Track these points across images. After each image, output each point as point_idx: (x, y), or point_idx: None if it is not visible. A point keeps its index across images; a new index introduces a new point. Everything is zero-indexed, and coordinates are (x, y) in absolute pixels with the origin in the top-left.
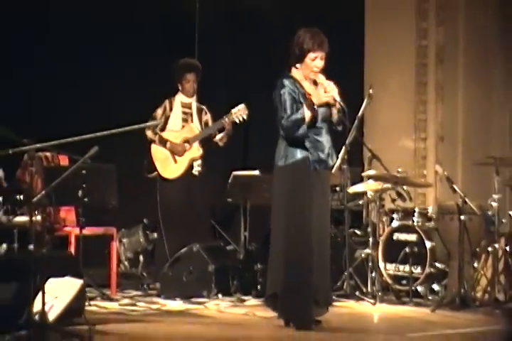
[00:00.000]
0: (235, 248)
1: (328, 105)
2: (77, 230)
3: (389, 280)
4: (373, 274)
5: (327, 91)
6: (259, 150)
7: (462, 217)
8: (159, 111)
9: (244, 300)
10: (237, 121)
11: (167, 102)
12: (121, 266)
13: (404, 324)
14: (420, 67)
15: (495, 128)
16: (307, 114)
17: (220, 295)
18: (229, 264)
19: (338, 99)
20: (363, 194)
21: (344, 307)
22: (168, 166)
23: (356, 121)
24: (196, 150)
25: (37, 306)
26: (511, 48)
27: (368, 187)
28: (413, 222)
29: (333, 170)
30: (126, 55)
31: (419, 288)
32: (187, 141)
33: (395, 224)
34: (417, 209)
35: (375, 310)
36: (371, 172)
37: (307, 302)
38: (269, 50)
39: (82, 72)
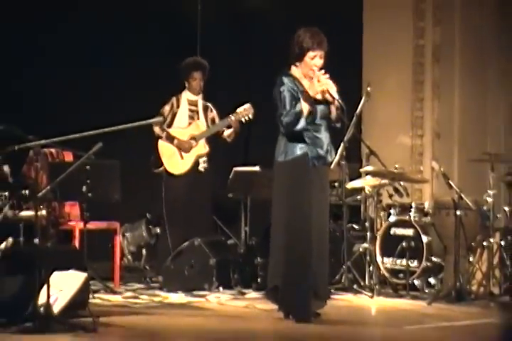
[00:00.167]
0: (235, 242)
1: (326, 103)
2: (81, 224)
3: (386, 274)
4: (371, 268)
5: (320, 81)
6: (260, 146)
7: (458, 212)
8: (167, 108)
9: (244, 293)
10: (243, 121)
11: (174, 99)
12: (124, 259)
13: (401, 316)
14: (417, 65)
15: (490, 126)
16: (305, 107)
17: (220, 288)
18: (230, 258)
19: (336, 96)
20: (361, 189)
21: (342, 300)
22: (175, 162)
23: (354, 118)
24: (202, 147)
25: (42, 299)
26: (506, 48)
27: (366, 182)
28: (410, 216)
29: (332, 166)
30: (128, 55)
31: (416, 282)
32: (193, 138)
33: (392, 219)
34: (413, 205)
35: (372, 303)
36: (369, 168)
37: (306, 295)
38: (269, 49)
39: (85, 70)
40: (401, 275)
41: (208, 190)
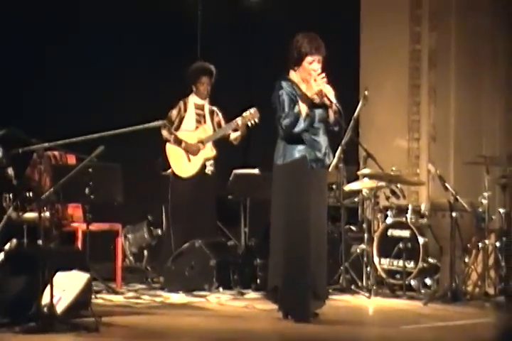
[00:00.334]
0: (235, 243)
1: (325, 106)
2: (84, 226)
3: (383, 275)
4: (368, 269)
5: (316, 80)
6: (259, 149)
7: (454, 214)
8: (174, 112)
9: (244, 294)
10: (249, 125)
11: (181, 103)
12: (126, 260)
13: (398, 316)
14: (414, 70)
15: (485, 129)
16: (303, 109)
17: (220, 289)
18: (229, 259)
19: (334, 100)
20: (359, 192)
21: (340, 301)
22: (183, 165)
23: (352, 122)
24: (210, 150)
25: (45, 299)
26: (501, 53)
27: (364, 185)
28: (406, 218)
29: (330, 169)
30: (128, 55)
31: (412, 282)
32: (201, 141)
33: (389, 220)
34: (410, 207)
35: (370, 303)
36: (366, 170)
37: (305, 295)
38: (269, 49)
39: (85, 70)
40: (398, 275)
41: (213, 193)
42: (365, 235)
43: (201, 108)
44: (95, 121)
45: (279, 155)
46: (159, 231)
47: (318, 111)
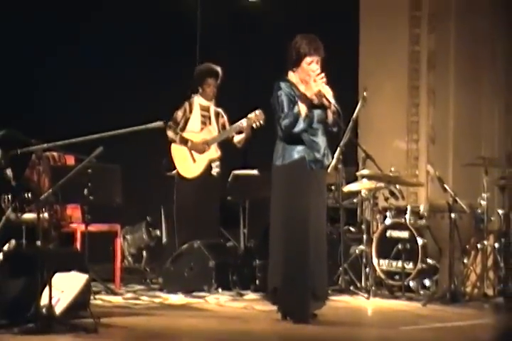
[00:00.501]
0: (234, 244)
1: (323, 107)
2: (82, 227)
3: (382, 276)
4: (367, 270)
5: (315, 81)
6: (258, 150)
7: (452, 215)
8: (180, 113)
9: (243, 295)
10: (254, 127)
11: (187, 104)
12: (125, 261)
13: (396, 317)
14: (413, 71)
15: (484, 131)
16: (302, 109)
17: (219, 290)
18: (229, 260)
19: (333, 101)
20: (358, 193)
21: (339, 302)
22: (188, 166)
23: (351, 123)
24: (214, 152)
25: (44, 300)
26: (500, 55)
27: (362, 186)
28: (405, 219)
29: (329, 170)
30: (128, 55)
31: (411, 283)
32: (206, 142)
33: (388, 221)
34: (409, 208)
35: (369, 304)
36: (365, 171)
37: (304, 296)
38: (269, 49)
39: (85, 71)
40: (397, 277)
41: (217, 194)
42: (364, 236)
43: (207, 109)
44: (94, 122)
45: (278, 156)
46: (158, 232)
47: (316, 112)
